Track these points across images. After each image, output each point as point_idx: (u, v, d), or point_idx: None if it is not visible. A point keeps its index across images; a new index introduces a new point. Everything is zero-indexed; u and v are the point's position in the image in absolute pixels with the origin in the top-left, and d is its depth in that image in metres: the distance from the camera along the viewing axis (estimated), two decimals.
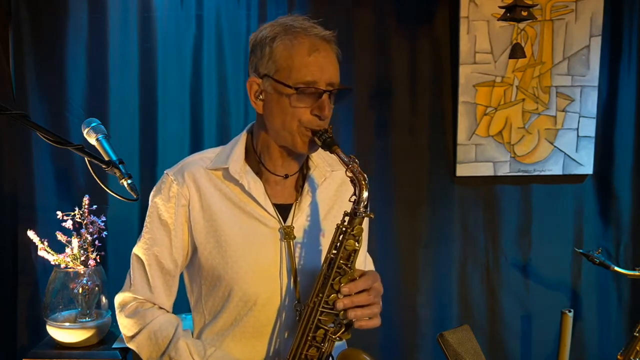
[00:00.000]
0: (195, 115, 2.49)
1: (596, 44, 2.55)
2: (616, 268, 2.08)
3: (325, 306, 1.21)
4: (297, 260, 1.33)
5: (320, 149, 1.27)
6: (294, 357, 1.23)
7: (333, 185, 1.41)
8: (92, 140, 1.37)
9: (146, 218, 1.37)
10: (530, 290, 2.69)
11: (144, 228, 1.36)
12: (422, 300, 2.64)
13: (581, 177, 2.66)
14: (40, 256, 2.16)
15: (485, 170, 2.59)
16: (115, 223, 2.43)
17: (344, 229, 1.22)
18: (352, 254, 1.22)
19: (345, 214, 1.23)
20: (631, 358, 1.87)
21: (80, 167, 2.44)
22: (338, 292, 1.20)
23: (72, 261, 2.14)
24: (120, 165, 1.29)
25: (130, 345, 1.36)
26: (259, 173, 1.35)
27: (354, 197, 1.21)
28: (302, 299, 1.31)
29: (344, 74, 1.31)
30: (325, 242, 1.34)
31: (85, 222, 2.16)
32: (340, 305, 1.18)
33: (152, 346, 1.32)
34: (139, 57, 2.45)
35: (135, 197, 1.29)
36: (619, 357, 1.90)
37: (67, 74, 2.44)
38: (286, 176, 1.36)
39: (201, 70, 2.48)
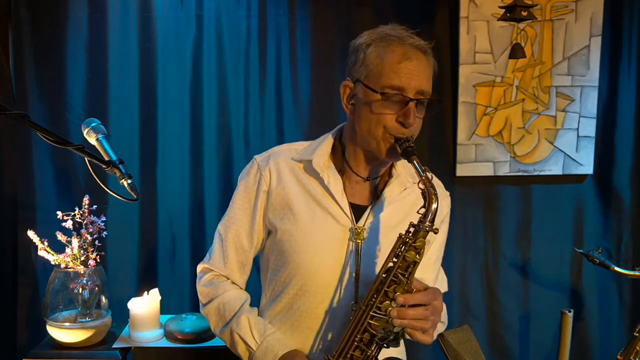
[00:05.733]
0: (195, 115, 2.49)
1: (596, 44, 2.55)
2: (616, 268, 2.08)
3: (377, 311, 1.22)
4: (361, 261, 1.35)
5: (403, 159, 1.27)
6: (339, 355, 1.25)
7: (412, 197, 1.41)
8: (92, 140, 1.36)
9: (232, 197, 1.46)
10: (530, 290, 2.69)
11: (229, 206, 1.46)
12: None
13: (581, 177, 2.66)
14: (40, 256, 2.16)
15: (485, 170, 2.59)
16: (115, 223, 2.44)
17: (406, 239, 1.23)
18: (411, 265, 1.22)
19: (411, 225, 1.24)
20: (631, 358, 1.87)
21: (80, 167, 2.44)
22: (392, 300, 1.21)
23: (72, 261, 2.14)
24: (120, 165, 1.29)
25: (202, 312, 1.46)
26: (341, 171, 1.39)
27: (422, 209, 1.22)
28: (360, 300, 1.32)
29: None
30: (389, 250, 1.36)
31: (85, 222, 2.16)
32: (393, 313, 1.19)
33: (218, 316, 1.42)
34: (139, 57, 2.45)
35: (135, 197, 1.28)
36: (619, 357, 1.90)
37: (67, 74, 2.44)
38: (367, 178, 1.39)
39: (201, 70, 2.47)
